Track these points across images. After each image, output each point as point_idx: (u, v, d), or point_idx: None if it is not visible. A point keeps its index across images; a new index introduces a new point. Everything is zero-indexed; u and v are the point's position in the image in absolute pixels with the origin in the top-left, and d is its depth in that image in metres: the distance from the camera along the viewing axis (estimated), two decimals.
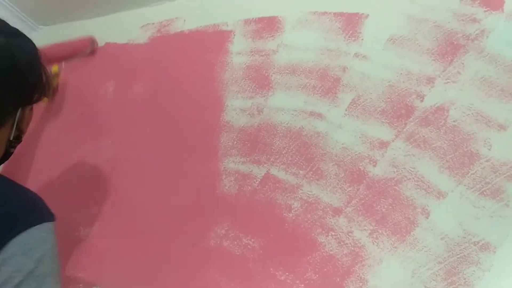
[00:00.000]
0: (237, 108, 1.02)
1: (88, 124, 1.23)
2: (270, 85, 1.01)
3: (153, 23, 1.27)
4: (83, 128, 1.22)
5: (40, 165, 1.18)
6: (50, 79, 0.72)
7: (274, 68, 1.02)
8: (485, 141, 0.78)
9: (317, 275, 0.80)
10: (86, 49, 1.23)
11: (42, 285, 0.57)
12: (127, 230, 1.00)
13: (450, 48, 0.87)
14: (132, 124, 1.15)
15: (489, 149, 0.77)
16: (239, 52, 1.09)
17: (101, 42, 1.33)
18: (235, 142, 0.99)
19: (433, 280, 0.72)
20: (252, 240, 0.88)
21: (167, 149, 1.07)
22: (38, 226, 0.60)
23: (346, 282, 0.78)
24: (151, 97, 1.17)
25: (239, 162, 0.96)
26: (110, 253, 0.99)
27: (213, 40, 1.14)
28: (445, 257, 0.73)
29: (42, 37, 1.47)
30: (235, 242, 0.89)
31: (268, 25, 1.08)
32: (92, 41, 1.25)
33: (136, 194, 1.04)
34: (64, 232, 1.05)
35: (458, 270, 0.72)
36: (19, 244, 0.57)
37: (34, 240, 0.59)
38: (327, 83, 0.95)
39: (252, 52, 1.07)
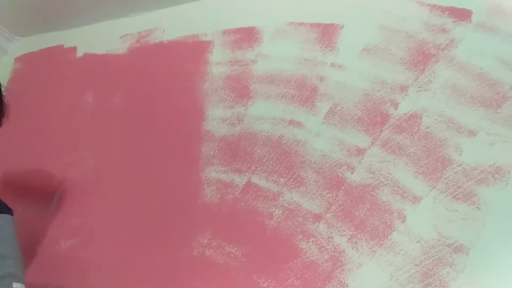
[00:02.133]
0: (217, 117, 1.03)
1: (67, 135, 1.22)
2: (250, 95, 1.02)
3: (132, 34, 1.28)
4: (62, 140, 1.21)
5: (19, 177, 1.17)
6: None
7: (253, 78, 1.04)
8: (456, 146, 0.81)
9: (299, 281, 0.82)
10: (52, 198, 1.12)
11: (2, 266, 0.57)
12: (109, 241, 1.00)
13: (422, 57, 0.90)
14: (112, 135, 1.15)
15: (460, 154, 0.80)
16: (218, 62, 1.10)
17: (79, 52, 1.33)
18: (216, 151, 1.00)
19: (410, 282, 0.75)
20: (235, 248, 0.89)
21: (148, 159, 1.07)
22: None
23: (327, 287, 0.79)
24: (131, 108, 1.17)
25: (220, 171, 0.97)
26: (93, 264, 0.98)
27: (193, 51, 1.16)
28: (421, 260, 0.76)
29: (18, 48, 1.46)
30: (218, 251, 0.90)
31: (246, 36, 1.10)
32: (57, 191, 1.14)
33: (117, 205, 1.04)
34: (45, 245, 1.04)
35: (433, 272, 0.74)
36: None
37: None
38: (305, 92, 0.97)
39: (231, 62, 1.08)
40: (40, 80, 1.34)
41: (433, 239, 0.76)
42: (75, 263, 0.99)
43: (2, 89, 0.77)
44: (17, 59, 1.42)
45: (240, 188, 0.94)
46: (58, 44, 1.38)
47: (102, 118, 1.19)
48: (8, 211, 0.65)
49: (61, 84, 1.30)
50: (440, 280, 0.73)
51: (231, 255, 0.89)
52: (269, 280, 0.84)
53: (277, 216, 0.89)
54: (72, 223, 1.05)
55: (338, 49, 0.98)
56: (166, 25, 1.23)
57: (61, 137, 1.21)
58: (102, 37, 1.32)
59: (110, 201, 1.05)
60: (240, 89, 1.04)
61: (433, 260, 0.75)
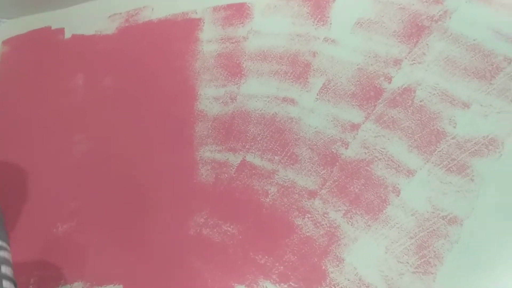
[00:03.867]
0: (210, 96, 1.02)
1: (59, 119, 1.20)
2: (242, 73, 1.01)
3: (120, 13, 1.25)
4: (54, 123, 1.19)
5: (12, 163, 1.17)
6: None
7: (245, 55, 1.02)
8: (450, 119, 0.81)
9: (295, 257, 0.82)
10: None
11: None
12: (106, 223, 1.00)
13: (415, 29, 0.89)
14: (104, 116, 1.14)
15: (454, 127, 0.80)
16: (209, 40, 1.08)
17: (67, 34, 1.30)
18: (210, 131, 0.99)
19: (405, 254, 0.76)
20: (231, 226, 0.90)
21: (142, 140, 1.06)
22: None
23: (324, 261, 0.80)
24: (122, 89, 1.15)
25: (215, 150, 0.97)
26: (90, 248, 0.98)
27: (183, 29, 1.13)
28: (416, 232, 0.77)
29: (4, 30, 1.42)
30: (215, 230, 0.91)
31: (237, 12, 1.07)
32: None
33: (113, 187, 1.04)
34: (41, 229, 1.05)
35: (428, 243, 0.75)
36: None
37: None
38: (298, 68, 0.96)
39: (222, 39, 1.07)
40: (29, 62, 1.31)
41: (428, 212, 0.77)
42: (73, 246, 0.99)
43: None
44: (4, 42, 1.39)
45: (235, 167, 0.94)
46: (45, 25, 1.34)
47: (94, 100, 1.18)
48: None
49: (50, 66, 1.27)
50: (435, 251, 0.74)
51: (228, 233, 0.89)
52: (266, 257, 0.84)
53: (272, 193, 0.89)
54: (68, 206, 1.04)
55: (330, 23, 0.97)
56: (154, 3, 1.20)
57: (53, 121, 1.19)
58: (89, 17, 1.29)
59: (105, 183, 1.05)
60: (232, 67, 1.03)
61: (427, 232, 0.76)
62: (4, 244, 0.58)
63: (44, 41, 1.33)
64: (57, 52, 1.30)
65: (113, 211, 1.01)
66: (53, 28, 1.33)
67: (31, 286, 0.97)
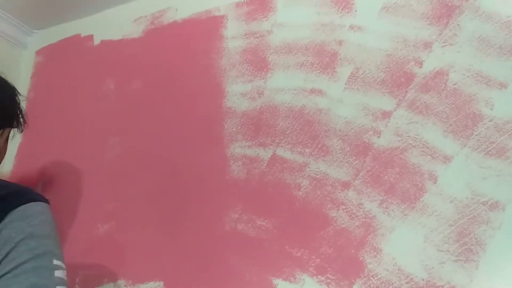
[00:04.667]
0: (237, 93, 1.03)
1: (92, 123, 1.24)
2: (268, 67, 1.01)
3: (145, 16, 1.27)
4: (88, 128, 1.23)
5: (51, 169, 1.21)
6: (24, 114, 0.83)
7: (270, 49, 1.02)
8: (486, 101, 0.78)
9: (331, 249, 0.82)
10: (37, 184, 1.19)
11: (41, 245, 0.61)
12: (144, 222, 1.03)
13: (445, 10, 0.86)
14: (136, 119, 1.17)
15: (491, 109, 0.77)
16: (234, 36, 1.08)
17: (96, 40, 1.33)
18: (239, 127, 1.00)
19: (446, 243, 0.74)
20: (266, 221, 0.90)
21: (173, 140, 1.08)
22: (35, 202, 0.67)
23: (361, 252, 0.79)
24: (151, 91, 1.17)
25: (245, 146, 0.97)
26: (130, 246, 1.01)
27: (207, 27, 1.14)
28: (455, 220, 0.74)
29: (37, 41, 1.48)
30: (249, 225, 0.91)
31: (260, 6, 1.07)
32: (41, 176, 1.21)
33: (149, 186, 1.06)
34: (83, 231, 1.09)
35: (469, 231, 0.73)
36: (18, 213, 0.63)
37: (31, 212, 0.65)
38: (324, 58, 0.95)
39: (246, 35, 1.06)
40: (61, 70, 1.36)
41: (467, 198, 0.75)
42: (113, 246, 1.03)
43: (22, 98, 0.81)
44: (37, 52, 1.44)
45: (266, 162, 0.94)
46: (75, 33, 1.39)
47: (125, 103, 1.20)
48: (44, 199, 0.69)
49: (82, 72, 1.31)
50: (476, 238, 0.72)
51: (263, 227, 0.90)
52: (302, 250, 0.84)
53: (305, 186, 0.88)
54: (107, 207, 1.08)
55: (355, 10, 0.95)
56: (178, 4, 1.21)
57: (87, 125, 1.23)
58: (116, 22, 1.32)
59: (140, 184, 1.08)
60: (258, 61, 1.03)
61: (468, 219, 0.74)
62: (59, 263, 0.61)
63: (74, 48, 1.37)
64: (88, 58, 1.33)
65: (150, 210, 1.04)
66: (82, 35, 1.37)
67: (76, 286, 1.01)
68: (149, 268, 0.98)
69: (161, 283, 0.95)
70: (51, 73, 1.39)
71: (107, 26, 1.33)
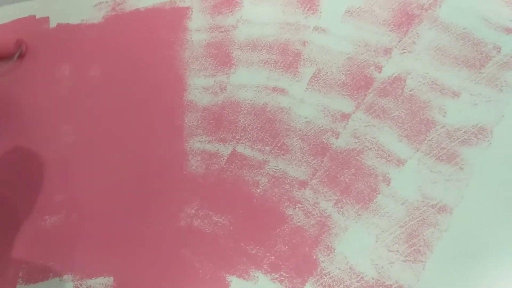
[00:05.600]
0: (199, 87, 1.01)
1: (45, 110, 1.18)
2: (232, 62, 1.00)
3: (106, 1, 1.22)
4: (40, 115, 1.17)
5: None
6: None
7: (234, 45, 1.01)
8: (440, 108, 0.81)
9: (286, 247, 0.83)
10: (14, 54, 1.13)
11: None
12: (95, 215, 0.99)
13: (405, 18, 0.89)
14: (91, 107, 1.12)
15: (444, 116, 0.80)
16: (198, 29, 1.07)
17: (52, 23, 1.27)
18: (200, 121, 0.98)
19: (396, 243, 0.76)
20: (222, 217, 0.89)
21: (130, 131, 1.05)
22: None
23: (315, 251, 0.81)
24: (109, 79, 1.13)
25: (205, 141, 0.96)
26: (79, 240, 0.97)
27: (171, 18, 1.11)
28: (405, 221, 0.77)
29: None
30: (205, 221, 0.90)
31: (226, 0, 1.06)
32: (19, 44, 1.16)
33: (101, 179, 1.03)
34: (28, 223, 1.03)
35: (418, 232, 0.76)
36: None
37: None
38: (288, 57, 0.95)
39: (211, 28, 1.05)
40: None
41: (417, 201, 0.78)
42: (61, 239, 0.98)
43: None
44: None
45: (225, 158, 0.93)
46: (30, 14, 1.31)
47: (81, 90, 1.15)
48: None
49: (35, 56, 1.25)
50: (424, 240, 0.75)
51: (219, 224, 0.89)
52: (257, 247, 0.84)
53: (263, 184, 0.88)
54: (55, 198, 1.03)
55: (320, 12, 0.96)
56: None
57: (39, 112, 1.17)
58: (75, 6, 1.26)
59: (93, 175, 1.04)
60: (221, 56, 1.01)
61: (417, 221, 0.76)
62: None
63: (28, 30, 1.29)
64: (42, 41, 1.27)
65: (102, 203, 1.00)
66: (37, 17, 1.30)
67: (19, 279, 0.96)
68: (98, 263, 0.94)
69: (111, 279, 0.92)
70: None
71: (65, 9, 1.27)
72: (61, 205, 1.02)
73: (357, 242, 0.79)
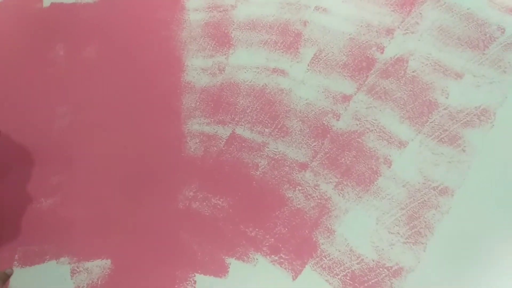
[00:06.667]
0: (197, 67, 0.99)
1: (39, 91, 1.16)
2: (231, 42, 0.98)
3: None
4: (34, 96, 1.15)
5: None
6: None
7: (233, 24, 0.99)
8: (442, 89, 0.80)
9: (286, 229, 0.82)
10: None
11: None
12: (92, 198, 0.98)
13: None
14: (87, 89, 1.10)
15: (447, 98, 0.79)
16: (196, 9, 1.04)
17: (45, 2, 1.24)
18: (198, 103, 0.97)
19: (396, 225, 0.76)
20: (221, 200, 0.88)
21: (127, 113, 1.03)
22: None
23: (315, 233, 0.80)
24: (105, 60, 1.11)
25: (203, 123, 0.95)
26: (76, 222, 0.96)
27: None
28: (406, 203, 0.77)
29: None
30: (204, 203, 0.89)
31: None
32: None
33: (98, 160, 1.01)
34: (23, 205, 1.02)
35: (419, 214, 0.75)
36: None
37: None
38: (288, 38, 0.94)
39: (209, 8, 1.03)
40: (5, 32, 1.25)
41: (419, 183, 0.77)
42: (58, 221, 0.97)
43: None
44: None
45: (224, 140, 0.92)
46: None
47: (76, 71, 1.13)
48: None
49: (28, 36, 1.22)
50: (425, 222, 0.74)
51: (218, 206, 0.88)
52: (256, 229, 0.84)
53: (262, 166, 0.87)
54: (52, 180, 1.01)
55: None
56: None
57: (32, 93, 1.15)
58: None
59: (90, 157, 1.02)
60: (220, 36, 0.99)
61: (418, 203, 0.76)
62: None
63: (21, 8, 1.26)
64: (36, 21, 1.23)
65: (99, 185, 0.99)
66: None
67: (15, 262, 0.95)
68: (95, 245, 0.93)
69: (109, 261, 0.91)
70: None
71: None
72: (57, 187, 1.01)
73: (357, 224, 0.78)
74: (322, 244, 0.79)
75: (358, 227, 0.78)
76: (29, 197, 1.02)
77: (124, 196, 0.96)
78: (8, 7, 1.29)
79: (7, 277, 0.90)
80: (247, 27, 0.97)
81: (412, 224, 0.75)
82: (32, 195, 1.01)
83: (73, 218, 0.97)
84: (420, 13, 0.85)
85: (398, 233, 0.76)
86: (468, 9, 0.82)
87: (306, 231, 0.81)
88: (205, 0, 1.03)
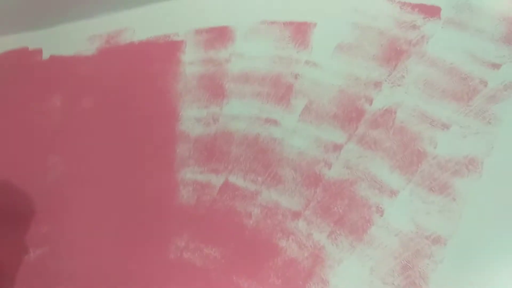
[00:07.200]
0: (192, 118, 1.01)
1: (32, 141, 1.17)
2: (225, 94, 1.01)
3: (100, 35, 1.24)
4: (29, 145, 1.16)
5: None
6: None
7: (227, 77, 1.03)
8: (430, 139, 0.82)
9: (280, 280, 0.81)
10: None
11: None
12: (81, 248, 0.96)
13: (394, 53, 0.92)
14: (82, 139, 1.11)
15: (435, 147, 0.82)
16: (191, 62, 1.08)
17: (45, 54, 1.28)
18: (192, 151, 0.98)
19: (390, 275, 0.75)
20: (213, 249, 0.87)
21: (120, 162, 1.04)
22: None
23: (309, 284, 0.79)
24: (101, 111, 1.13)
25: (196, 171, 0.95)
26: (64, 273, 0.94)
27: (165, 51, 1.13)
28: (400, 252, 0.76)
29: None
30: (196, 254, 0.88)
31: (219, 35, 1.08)
32: None
33: (89, 210, 1.00)
34: (13, 255, 0.99)
35: (413, 264, 0.75)
36: None
37: None
38: (280, 90, 0.97)
39: (205, 61, 1.07)
40: (3, 83, 1.28)
41: (411, 232, 0.77)
42: (46, 273, 0.94)
43: None
44: None
45: (217, 189, 0.92)
46: (22, 46, 1.32)
47: (72, 122, 1.15)
48: None
49: (26, 88, 1.25)
50: (419, 271, 0.74)
51: (210, 257, 0.87)
52: (249, 280, 0.82)
53: (255, 215, 0.87)
54: (41, 230, 1.00)
55: (312, 47, 0.98)
56: (136, 25, 1.20)
57: (27, 143, 1.16)
58: (68, 38, 1.28)
59: (81, 206, 1.01)
60: (214, 88, 1.03)
61: (412, 252, 0.76)
62: None
63: (20, 61, 1.30)
64: (34, 73, 1.27)
65: (89, 236, 0.98)
66: (30, 48, 1.31)
67: None
68: None
69: None
70: None
71: (59, 41, 1.29)
72: (46, 238, 0.99)
73: (351, 275, 0.77)
74: None
75: (352, 278, 0.77)
76: (15, 248, 1.00)
77: (114, 246, 0.94)
78: (8, 59, 1.33)
79: None
80: (241, 80, 1.01)
81: (406, 274, 0.74)
82: (22, 245, 0.99)
83: (61, 269, 0.94)
84: (406, 67, 0.90)
85: (393, 283, 0.75)
86: (451, 63, 0.87)
87: (300, 282, 0.80)
88: (201, 54, 1.08)
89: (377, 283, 0.75)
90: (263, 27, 1.05)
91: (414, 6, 0.93)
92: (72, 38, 1.28)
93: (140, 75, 1.13)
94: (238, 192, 0.91)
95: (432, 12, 0.92)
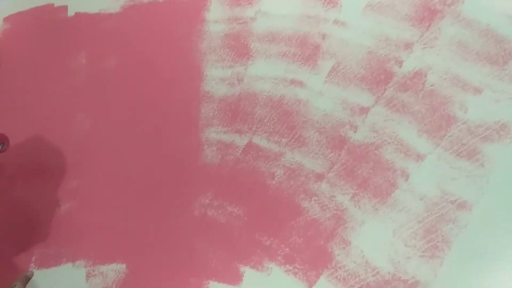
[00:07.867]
0: (216, 77, 1.01)
1: (61, 97, 1.18)
2: (250, 54, 0.99)
3: None
4: (56, 102, 1.17)
5: (13, 142, 1.15)
6: None
7: (253, 36, 1.01)
8: (461, 104, 0.80)
9: (301, 239, 0.82)
10: None
11: None
12: (109, 203, 0.99)
13: (427, 13, 0.88)
14: (108, 96, 1.12)
15: (465, 112, 0.79)
16: (216, 21, 1.06)
17: (70, 11, 1.27)
18: (216, 112, 0.98)
19: (413, 238, 0.75)
20: (237, 208, 0.89)
21: (146, 120, 1.05)
22: None
23: (330, 244, 0.80)
24: (126, 68, 1.13)
25: (220, 132, 0.96)
26: (93, 226, 0.97)
27: (189, 9, 1.11)
28: (424, 217, 0.76)
29: (6, 7, 1.39)
30: (220, 211, 0.90)
31: None
32: (1, 140, 1.03)
33: (116, 167, 1.03)
34: (44, 207, 1.03)
35: (436, 228, 0.75)
36: None
37: None
38: (307, 50, 0.95)
39: (229, 20, 1.05)
40: (30, 40, 1.29)
41: (436, 196, 0.77)
42: (75, 225, 0.98)
43: None
44: (5, 19, 1.36)
45: (241, 149, 0.93)
46: (48, 3, 1.32)
47: (97, 79, 1.16)
48: None
49: (52, 44, 1.25)
50: (442, 236, 0.74)
51: (233, 214, 0.88)
52: (271, 239, 0.84)
53: (279, 176, 0.88)
54: (70, 184, 1.03)
55: (341, 6, 0.95)
56: None
57: (54, 99, 1.17)
58: None
59: (108, 163, 1.04)
60: (239, 48, 1.01)
61: (436, 216, 0.75)
62: None
63: (46, 18, 1.30)
64: (60, 30, 1.27)
65: (117, 191, 1.00)
66: (55, 5, 1.30)
67: (32, 264, 0.96)
68: (111, 250, 0.94)
69: (123, 266, 0.92)
70: (19, 42, 1.32)
71: None
72: (75, 192, 1.02)
73: (373, 237, 0.78)
74: (338, 255, 0.79)
75: (374, 239, 0.78)
76: (47, 201, 1.04)
77: (140, 202, 0.97)
78: (34, 16, 1.33)
79: (27, 279, 0.91)
80: (266, 39, 0.99)
81: (429, 238, 0.75)
82: (50, 199, 1.03)
83: (89, 222, 0.98)
84: (439, 28, 0.86)
85: (415, 246, 0.75)
86: (487, 25, 0.83)
87: (322, 242, 0.81)
88: (226, 12, 1.06)
89: (399, 245, 0.76)
90: None
91: None
92: None
93: (164, 34, 1.12)
94: (261, 153, 0.91)
95: None
